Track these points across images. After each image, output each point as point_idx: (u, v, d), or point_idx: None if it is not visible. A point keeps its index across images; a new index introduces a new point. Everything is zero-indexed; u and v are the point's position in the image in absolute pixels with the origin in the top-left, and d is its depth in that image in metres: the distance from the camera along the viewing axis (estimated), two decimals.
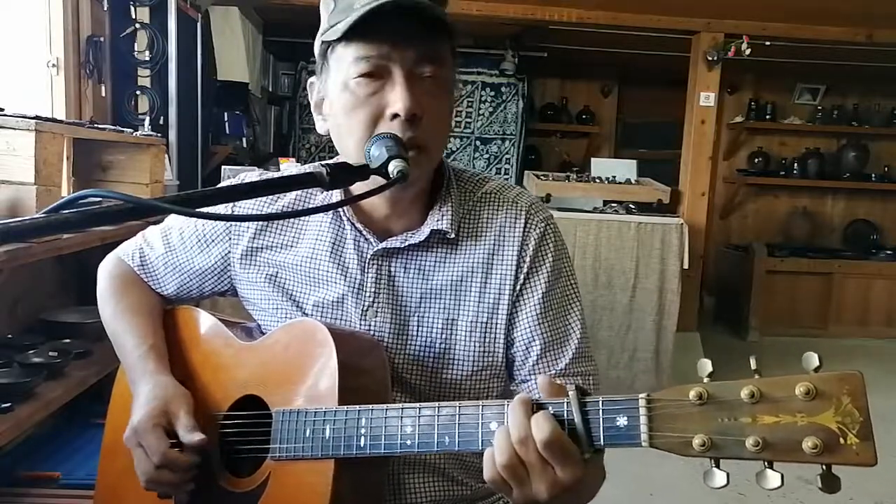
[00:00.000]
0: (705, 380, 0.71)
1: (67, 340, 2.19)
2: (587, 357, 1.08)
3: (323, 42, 1.01)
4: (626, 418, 0.74)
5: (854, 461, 0.65)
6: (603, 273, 4.25)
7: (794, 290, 5.86)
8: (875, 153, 6.53)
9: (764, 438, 0.67)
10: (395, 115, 0.95)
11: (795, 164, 6.47)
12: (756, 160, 6.56)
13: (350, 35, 0.95)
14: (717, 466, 0.70)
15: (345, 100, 0.98)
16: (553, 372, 1.05)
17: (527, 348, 1.06)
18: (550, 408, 0.79)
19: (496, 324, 1.06)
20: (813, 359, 0.68)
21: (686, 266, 4.32)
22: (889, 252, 6.14)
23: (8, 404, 1.71)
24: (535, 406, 0.79)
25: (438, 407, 0.86)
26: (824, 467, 0.67)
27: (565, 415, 0.77)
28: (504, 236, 1.07)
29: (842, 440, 0.65)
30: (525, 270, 1.06)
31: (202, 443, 0.99)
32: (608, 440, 0.75)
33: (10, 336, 2.18)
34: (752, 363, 0.71)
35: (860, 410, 0.66)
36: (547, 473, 0.78)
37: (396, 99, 0.94)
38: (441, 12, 0.94)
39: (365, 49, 0.95)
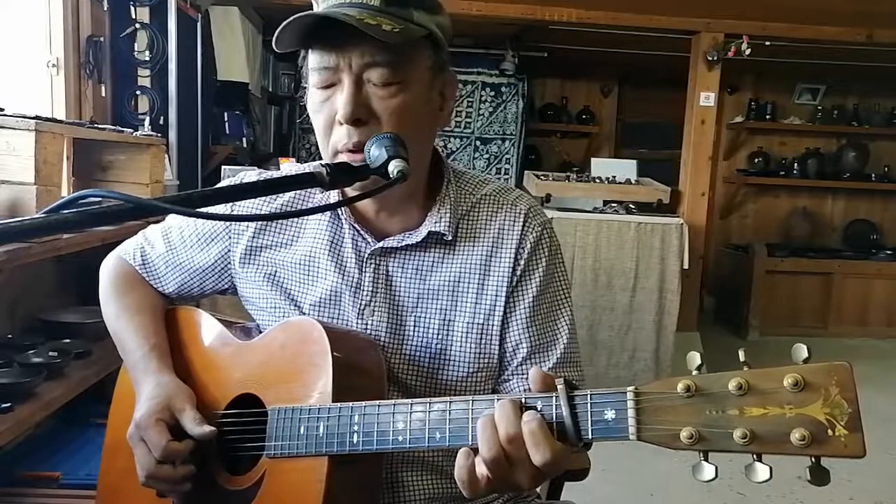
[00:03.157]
0: (694, 372, 0.71)
1: (67, 340, 2.19)
2: (573, 363, 1.09)
3: None
4: (613, 412, 0.74)
5: (842, 453, 0.65)
6: (603, 273, 4.25)
7: (794, 290, 5.85)
8: (875, 153, 6.52)
9: (752, 431, 0.67)
10: (341, 122, 0.96)
11: (795, 164, 6.47)
12: (756, 160, 6.56)
13: (306, 42, 0.97)
14: (706, 460, 0.70)
15: (309, 104, 1.02)
16: None
17: (513, 350, 1.07)
18: (539, 403, 0.79)
19: (492, 325, 1.06)
20: (802, 350, 0.67)
21: (686, 266, 4.32)
22: (889, 252, 6.13)
23: (8, 404, 1.72)
24: (523, 407, 0.80)
25: (430, 403, 0.86)
26: (813, 459, 0.66)
27: (553, 409, 0.78)
28: (502, 238, 1.08)
29: (830, 432, 0.65)
30: (519, 273, 1.07)
31: (213, 434, 1.00)
32: (596, 434, 0.75)
33: (10, 336, 2.18)
34: (741, 355, 0.71)
35: (849, 402, 0.65)
36: (533, 467, 0.78)
37: (339, 106, 0.96)
38: (375, 24, 0.91)
39: (319, 58, 0.97)
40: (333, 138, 0.99)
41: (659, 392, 0.72)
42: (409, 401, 0.88)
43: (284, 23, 0.93)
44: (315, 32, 0.95)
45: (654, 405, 0.71)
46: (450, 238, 1.06)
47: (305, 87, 1.07)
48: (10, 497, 1.85)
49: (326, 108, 0.98)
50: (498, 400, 0.81)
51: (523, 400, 0.80)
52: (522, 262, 1.07)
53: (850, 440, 0.64)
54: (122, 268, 1.23)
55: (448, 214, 1.06)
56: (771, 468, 0.67)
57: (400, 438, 0.87)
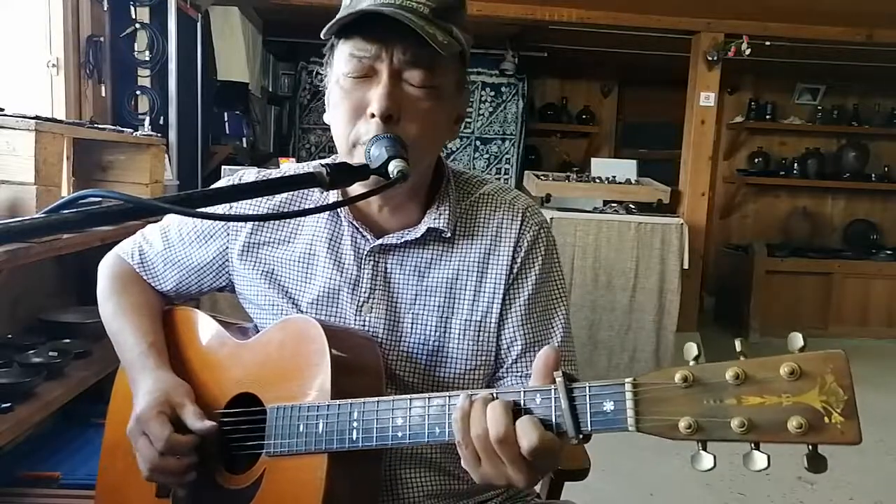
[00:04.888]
0: (691, 363, 0.71)
1: (67, 340, 2.20)
2: (567, 361, 1.09)
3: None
4: (612, 403, 0.74)
5: (839, 440, 0.65)
6: (603, 273, 4.25)
7: (794, 290, 5.85)
8: (875, 153, 6.53)
9: (749, 419, 0.67)
10: (373, 115, 0.96)
11: (795, 164, 6.47)
12: (756, 160, 6.56)
13: (345, 32, 0.97)
14: (705, 449, 0.70)
15: (335, 93, 1.01)
16: (529, 374, 1.06)
17: (508, 348, 1.07)
18: (538, 396, 0.79)
19: (489, 323, 1.07)
20: (798, 339, 0.68)
21: (686, 266, 4.32)
22: (889, 252, 6.12)
23: (8, 404, 1.72)
24: (521, 406, 0.79)
25: (428, 398, 0.86)
26: (810, 447, 0.67)
27: (552, 401, 0.78)
28: (500, 237, 1.08)
29: (826, 419, 0.65)
30: (515, 271, 1.07)
31: (213, 430, 1.00)
32: (595, 425, 0.75)
33: (10, 336, 2.19)
34: (737, 345, 0.71)
35: (844, 389, 0.65)
36: (526, 466, 0.78)
37: (374, 98, 0.96)
38: (431, 33, 0.94)
39: (357, 48, 0.97)
40: (358, 130, 0.98)
41: (657, 382, 0.72)
42: (408, 396, 0.88)
43: (342, 16, 0.94)
44: (357, 24, 0.95)
45: (652, 396, 0.72)
46: (448, 235, 1.07)
47: (323, 76, 1.06)
48: (10, 497, 1.85)
49: (355, 97, 0.98)
50: (496, 396, 0.81)
51: (522, 393, 0.80)
52: (519, 261, 1.07)
53: (847, 427, 0.65)
54: (120, 267, 1.24)
55: (447, 211, 1.07)
56: (769, 456, 0.68)
57: (399, 434, 0.87)
